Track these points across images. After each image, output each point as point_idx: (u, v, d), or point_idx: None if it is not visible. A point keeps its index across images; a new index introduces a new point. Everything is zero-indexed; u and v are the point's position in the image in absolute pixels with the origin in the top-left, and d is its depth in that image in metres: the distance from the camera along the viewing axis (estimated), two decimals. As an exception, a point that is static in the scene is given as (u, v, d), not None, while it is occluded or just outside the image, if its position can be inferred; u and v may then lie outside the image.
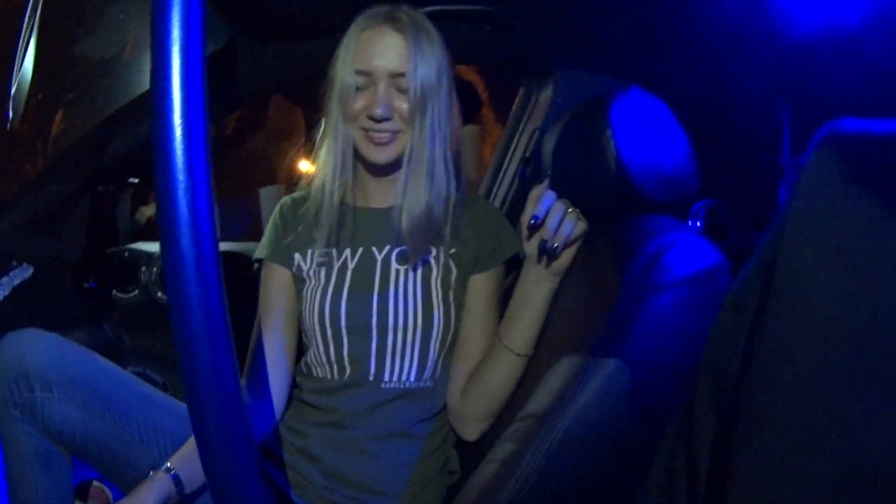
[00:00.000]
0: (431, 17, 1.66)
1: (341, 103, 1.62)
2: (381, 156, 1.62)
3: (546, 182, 1.60)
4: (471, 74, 3.51)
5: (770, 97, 2.19)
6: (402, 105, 1.59)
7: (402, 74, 1.58)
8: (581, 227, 1.53)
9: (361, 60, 1.59)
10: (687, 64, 2.06)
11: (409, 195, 1.64)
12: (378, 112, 1.57)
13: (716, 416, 0.81)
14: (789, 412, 0.70)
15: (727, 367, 0.80)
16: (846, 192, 0.70)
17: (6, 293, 2.10)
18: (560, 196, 1.55)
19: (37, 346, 1.63)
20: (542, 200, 1.53)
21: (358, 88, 1.60)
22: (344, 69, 1.60)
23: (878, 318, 0.67)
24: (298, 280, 1.75)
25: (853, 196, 0.69)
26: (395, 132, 1.61)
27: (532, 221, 1.53)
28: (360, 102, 1.60)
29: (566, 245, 1.53)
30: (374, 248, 1.72)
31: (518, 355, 1.63)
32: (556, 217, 1.51)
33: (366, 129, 1.61)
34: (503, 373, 1.65)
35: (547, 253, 1.55)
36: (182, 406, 1.71)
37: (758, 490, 0.72)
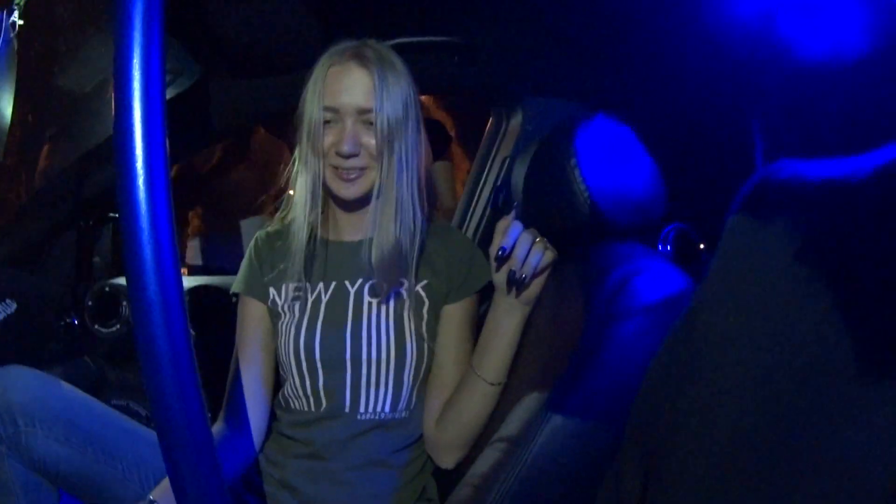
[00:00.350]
0: (398, 49, 1.68)
1: (310, 139, 1.63)
2: (349, 192, 1.64)
3: (513, 213, 1.61)
4: (439, 112, 3.52)
5: (740, 116, 2.22)
6: (370, 140, 1.61)
7: (368, 110, 1.59)
8: (549, 256, 1.55)
9: (329, 97, 1.61)
10: (654, 87, 2.09)
11: (378, 229, 1.65)
12: (345, 149, 1.59)
13: (641, 477, 0.81)
14: (703, 474, 0.71)
15: (653, 428, 0.80)
16: (768, 240, 0.70)
17: (-10, 331, 2.11)
18: (529, 224, 1.57)
19: (20, 381, 1.65)
20: (510, 232, 1.55)
21: (326, 122, 1.62)
22: (312, 105, 1.62)
23: (785, 378, 0.68)
24: (274, 314, 1.77)
25: (774, 244, 0.70)
26: (363, 168, 1.62)
27: (499, 253, 1.55)
28: (328, 138, 1.62)
29: (534, 275, 1.55)
30: (346, 282, 1.73)
31: (491, 384, 1.64)
32: (524, 248, 1.53)
33: (334, 166, 1.63)
34: (477, 402, 1.66)
35: (516, 284, 1.56)
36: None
37: None
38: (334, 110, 1.61)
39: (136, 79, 0.80)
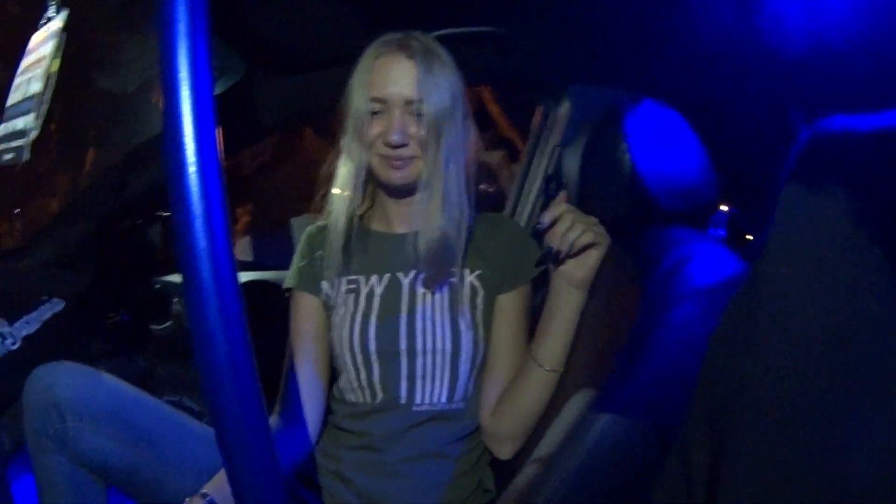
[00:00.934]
0: (443, 40, 1.68)
1: (357, 130, 1.64)
2: (397, 177, 1.64)
3: (563, 194, 1.61)
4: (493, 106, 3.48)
5: (783, 100, 2.19)
6: (418, 131, 1.60)
7: (416, 101, 1.59)
8: (590, 235, 1.54)
9: (376, 88, 1.61)
10: (698, 72, 2.06)
11: (425, 221, 1.65)
12: (394, 139, 1.59)
13: (710, 443, 0.80)
14: (775, 438, 0.70)
15: (721, 391, 0.79)
16: (825, 196, 0.69)
17: (36, 328, 2.12)
18: (587, 211, 1.57)
19: (66, 377, 1.64)
20: (551, 209, 1.56)
21: (373, 114, 1.62)
22: (359, 97, 1.62)
23: (852, 328, 0.67)
24: (327, 307, 1.77)
25: (831, 199, 0.69)
26: (411, 157, 1.62)
27: (538, 226, 1.57)
28: (375, 129, 1.62)
29: (572, 253, 1.55)
30: (399, 274, 1.73)
31: (548, 371, 1.63)
32: (564, 224, 1.54)
33: (382, 156, 1.63)
34: (534, 390, 1.65)
35: (551, 259, 1.58)
36: (215, 432, 1.72)
37: None
38: (382, 101, 1.61)
39: (183, 76, 0.80)
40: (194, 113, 0.80)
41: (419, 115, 1.60)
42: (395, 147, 1.60)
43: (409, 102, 1.60)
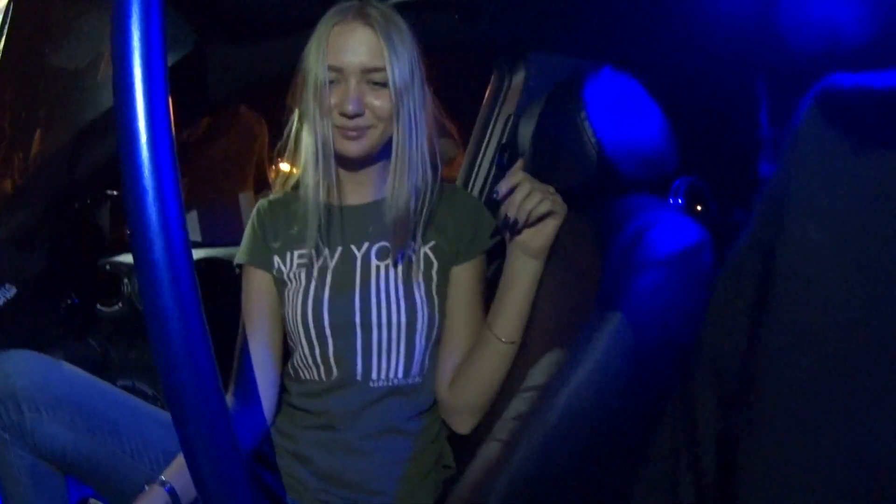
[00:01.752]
0: (399, 7, 1.66)
1: (315, 99, 1.60)
2: (353, 149, 1.61)
3: (519, 163, 1.60)
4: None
5: (746, 69, 2.18)
6: (374, 101, 1.58)
7: (373, 69, 1.57)
8: (546, 204, 1.54)
9: (333, 56, 1.58)
10: (659, 40, 2.05)
11: (389, 190, 1.63)
12: (350, 108, 1.56)
13: (719, 409, 0.80)
14: (801, 399, 0.69)
15: (729, 356, 0.78)
16: (844, 154, 0.68)
17: (-11, 316, 2.07)
18: (542, 180, 1.57)
19: (22, 366, 1.61)
20: (507, 178, 1.56)
21: (330, 82, 1.59)
22: (316, 65, 1.59)
23: (882, 293, 0.66)
24: (280, 283, 1.74)
25: (851, 157, 0.68)
26: (367, 127, 1.60)
27: (494, 196, 1.57)
28: (332, 98, 1.59)
29: (529, 221, 1.55)
30: (352, 246, 1.71)
31: (506, 343, 1.63)
32: (521, 193, 1.53)
33: (338, 126, 1.60)
34: (492, 362, 1.64)
35: (508, 228, 1.57)
36: (172, 417, 1.69)
37: (769, 481, 0.71)
38: (338, 70, 1.58)
39: (135, 48, 0.78)
40: (146, 86, 0.79)
41: (376, 83, 1.58)
42: (352, 117, 1.57)
43: (365, 71, 1.57)
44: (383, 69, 1.56)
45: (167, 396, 0.83)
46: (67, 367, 1.69)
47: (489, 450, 1.39)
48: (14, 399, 1.56)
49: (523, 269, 1.61)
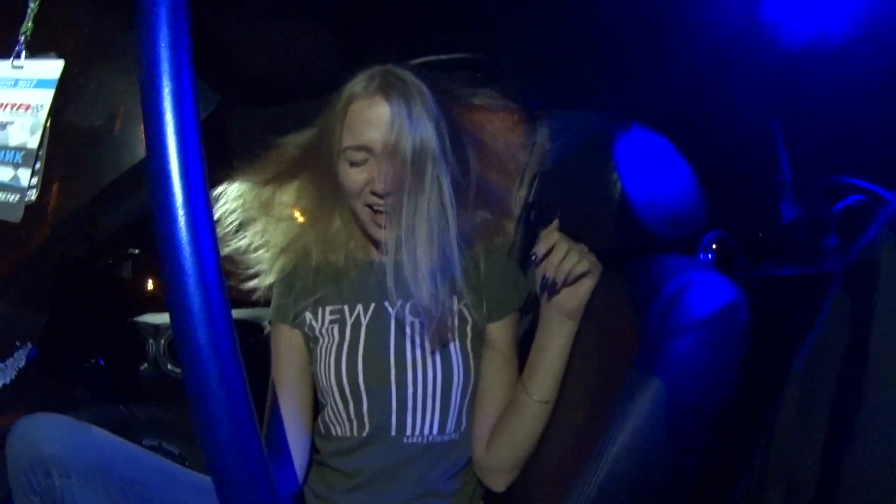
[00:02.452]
0: (421, 67, 1.66)
1: (341, 177, 1.61)
2: (382, 234, 1.60)
3: (555, 223, 1.59)
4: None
5: (762, 115, 2.19)
6: (403, 173, 1.55)
7: (398, 144, 1.53)
8: (585, 264, 1.53)
9: (356, 135, 1.57)
10: (675, 94, 2.06)
11: (412, 252, 1.58)
12: (379, 187, 1.55)
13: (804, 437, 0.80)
14: None
15: (824, 391, 0.78)
16: None
17: (12, 377, 2.05)
18: (572, 239, 1.55)
19: (51, 431, 1.58)
20: (545, 239, 1.54)
21: (354, 164, 1.58)
22: (338, 144, 1.59)
23: None
24: (311, 339, 1.74)
25: None
26: (396, 210, 1.57)
27: (532, 258, 1.55)
28: (360, 177, 1.58)
29: (567, 282, 1.54)
30: (386, 303, 1.69)
31: (540, 402, 1.61)
32: (559, 253, 1.52)
33: (369, 206, 1.60)
34: (527, 421, 1.63)
35: (547, 289, 1.55)
36: (206, 480, 1.67)
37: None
38: (365, 149, 1.57)
39: (167, 108, 0.77)
40: (180, 146, 0.77)
41: (402, 157, 1.54)
42: (382, 196, 1.56)
43: (391, 147, 1.54)
44: (406, 141, 1.53)
45: (208, 457, 0.81)
46: (97, 431, 1.66)
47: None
48: (43, 465, 1.54)
49: (559, 330, 1.60)
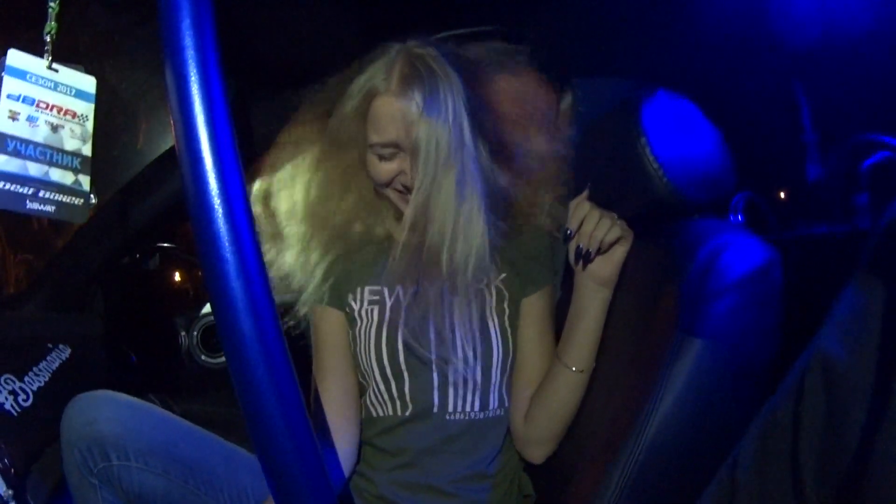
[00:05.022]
0: (443, 39, 1.65)
1: (369, 168, 1.61)
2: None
3: (585, 193, 1.58)
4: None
5: (784, 77, 2.17)
6: (433, 164, 1.52)
7: (427, 138, 1.50)
8: (616, 231, 1.53)
9: (381, 133, 1.55)
10: (699, 55, 2.04)
11: (445, 233, 1.57)
12: (410, 181, 1.55)
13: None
14: None
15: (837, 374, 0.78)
16: None
17: (47, 379, 2.05)
18: (602, 207, 1.56)
19: (109, 411, 1.58)
20: (576, 210, 1.55)
21: (383, 158, 1.57)
22: (363, 139, 1.59)
23: None
24: (350, 320, 1.74)
25: None
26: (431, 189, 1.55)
27: (567, 233, 1.55)
28: (390, 167, 1.57)
29: (601, 250, 1.54)
30: (424, 283, 1.66)
31: (578, 372, 1.61)
32: (591, 223, 1.52)
33: (399, 191, 1.60)
34: (565, 392, 1.63)
35: (582, 258, 1.56)
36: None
37: None
38: (389, 145, 1.55)
39: (195, 99, 0.76)
40: (211, 131, 0.76)
41: (433, 148, 1.51)
42: (411, 189, 1.56)
43: (421, 141, 1.51)
44: (435, 132, 1.50)
45: (258, 451, 0.80)
46: (159, 411, 1.67)
47: (582, 482, 1.41)
48: (101, 446, 1.54)
49: (594, 299, 1.60)
